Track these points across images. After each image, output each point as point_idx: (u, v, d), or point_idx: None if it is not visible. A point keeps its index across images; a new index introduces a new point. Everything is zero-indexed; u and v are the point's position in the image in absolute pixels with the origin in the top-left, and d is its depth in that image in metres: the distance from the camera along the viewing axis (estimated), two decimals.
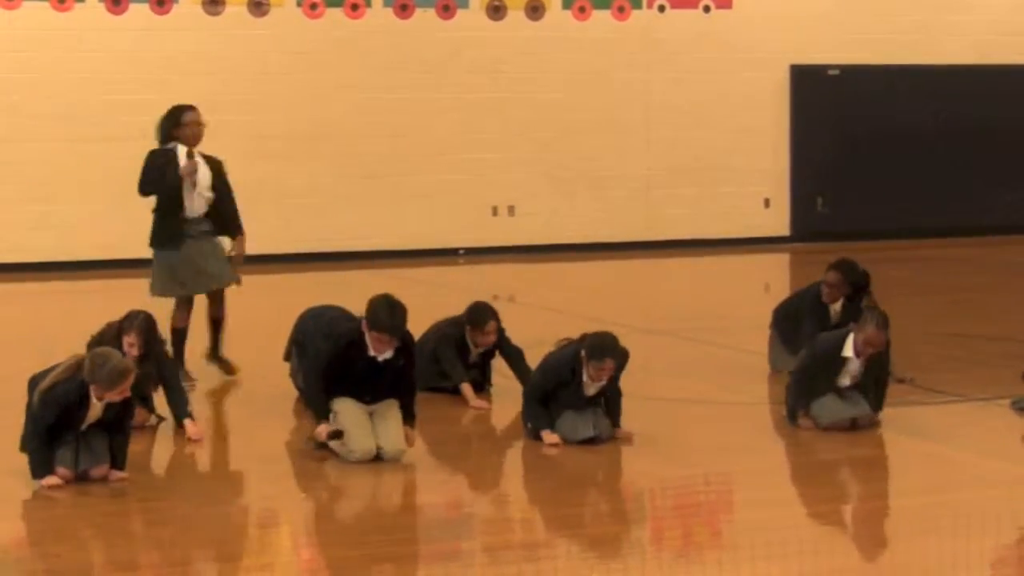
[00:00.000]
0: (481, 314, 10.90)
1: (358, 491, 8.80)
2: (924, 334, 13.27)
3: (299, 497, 8.72)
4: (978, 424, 10.27)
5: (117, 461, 8.65)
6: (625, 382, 9.71)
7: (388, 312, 8.99)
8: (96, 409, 8.53)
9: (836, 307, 11.43)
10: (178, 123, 11.44)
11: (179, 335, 11.34)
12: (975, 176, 22.03)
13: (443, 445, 9.80)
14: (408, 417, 9.23)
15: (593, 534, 7.97)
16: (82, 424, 8.53)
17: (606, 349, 9.42)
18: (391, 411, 9.21)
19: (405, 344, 9.14)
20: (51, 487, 8.40)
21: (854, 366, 9.81)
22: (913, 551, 7.68)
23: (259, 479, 8.89)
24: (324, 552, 7.76)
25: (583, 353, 9.43)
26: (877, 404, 9.91)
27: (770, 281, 19.77)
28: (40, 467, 8.48)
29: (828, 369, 9.81)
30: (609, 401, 9.62)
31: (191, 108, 11.55)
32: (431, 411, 10.65)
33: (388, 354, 9.05)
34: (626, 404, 9.71)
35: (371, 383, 9.17)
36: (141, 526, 8.10)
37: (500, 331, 10.98)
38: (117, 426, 8.65)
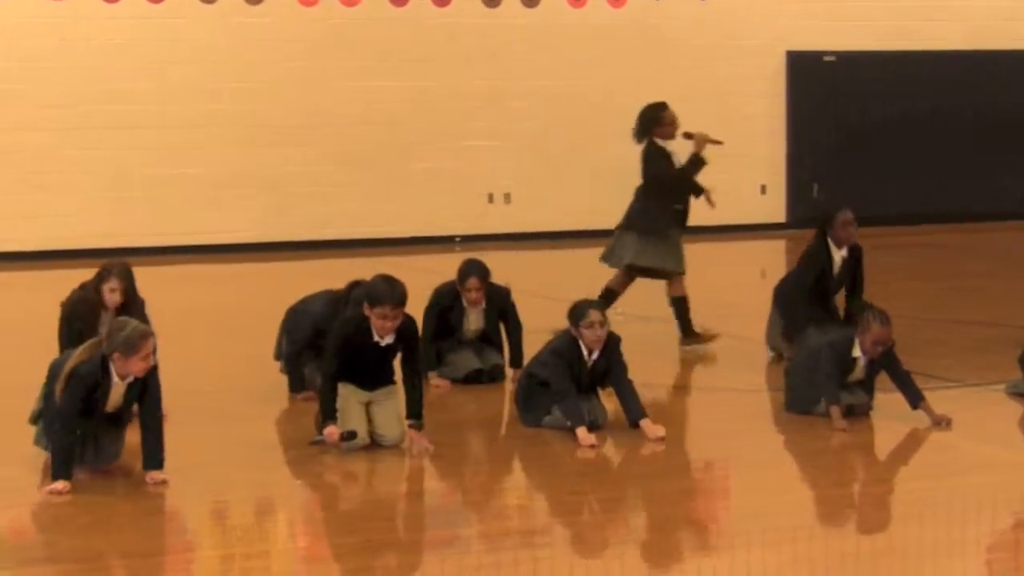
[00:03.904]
0: (463, 271, 10.99)
1: (354, 478, 8.80)
2: (921, 320, 13.27)
3: (295, 484, 8.72)
4: (975, 410, 10.28)
5: (154, 461, 8.40)
6: None
7: (387, 286, 8.97)
8: (118, 390, 8.37)
9: (842, 254, 11.41)
10: (659, 122, 12.53)
11: (686, 302, 12.51)
12: (972, 162, 22.02)
13: (440, 432, 9.79)
14: (415, 414, 9.10)
15: (591, 521, 7.98)
16: (103, 407, 8.38)
17: (584, 305, 9.51)
18: (389, 400, 9.20)
19: (407, 327, 9.12)
20: (53, 492, 8.18)
21: (860, 366, 9.82)
22: (909, 536, 7.69)
23: (255, 467, 8.89)
24: (321, 539, 7.76)
25: (571, 328, 9.47)
26: (915, 395, 9.80)
27: (766, 267, 19.75)
28: (61, 468, 8.21)
29: (843, 371, 9.81)
30: (623, 391, 9.55)
31: (667, 106, 12.63)
32: (428, 399, 10.66)
33: (390, 338, 9.03)
34: None
35: (373, 370, 9.16)
36: (139, 514, 8.09)
37: (511, 302, 11.09)
38: (147, 420, 8.42)
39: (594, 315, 9.45)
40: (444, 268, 12.07)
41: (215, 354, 12.49)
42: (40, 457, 8.64)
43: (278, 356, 10.95)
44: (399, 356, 9.16)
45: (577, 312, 9.51)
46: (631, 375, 9.56)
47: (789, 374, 10.24)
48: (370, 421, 9.13)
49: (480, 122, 20.28)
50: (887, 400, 9.97)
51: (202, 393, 10.70)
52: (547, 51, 20.49)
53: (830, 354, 9.82)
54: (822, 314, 11.50)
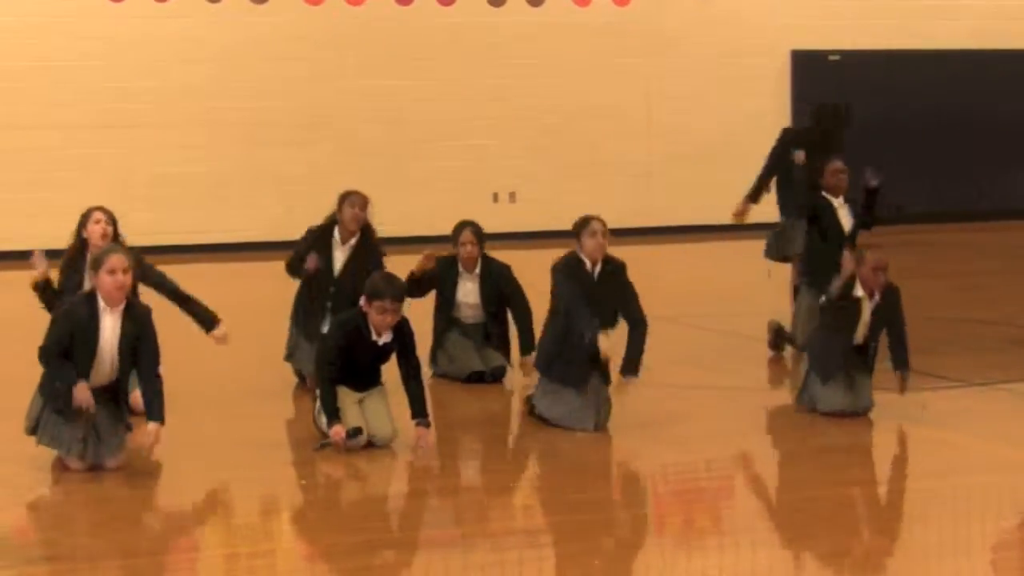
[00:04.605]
0: (457, 227, 11.37)
1: (357, 477, 8.79)
2: (925, 319, 13.24)
3: (299, 483, 8.72)
4: (979, 409, 10.28)
5: (153, 413, 8.44)
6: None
7: (385, 280, 9.06)
8: (109, 324, 8.38)
9: (840, 201, 11.52)
10: (842, 121, 12.90)
11: None
12: (978, 161, 22.01)
13: (442, 431, 9.80)
14: (420, 413, 9.12)
15: (594, 520, 7.97)
16: (96, 346, 8.35)
17: (585, 219, 9.77)
18: (380, 398, 9.19)
19: (403, 326, 9.12)
20: (80, 397, 8.26)
21: (866, 308, 9.80)
22: (914, 535, 7.68)
23: (259, 466, 8.88)
24: (324, 538, 7.76)
25: (576, 247, 9.69)
26: (902, 361, 9.86)
27: (772, 267, 19.73)
28: (67, 378, 8.30)
29: (849, 317, 9.80)
30: (634, 331, 9.69)
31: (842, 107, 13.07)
32: (431, 397, 10.66)
33: (388, 336, 9.04)
34: (628, 390, 9.70)
35: (367, 371, 9.17)
36: (141, 512, 8.10)
37: (514, 281, 11.17)
38: (143, 373, 8.49)
39: (596, 224, 9.70)
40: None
41: (220, 353, 12.43)
42: (41, 455, 8.65)
43: (288, 357, 10.95)
44: (393, 359, 9.18)
45: (579, 223, 9.77)
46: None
47: (808, 345, 10.24)
48: (366, 420, 9.11)
49: (485, 121, 20.29)
50: (889, 400, 9.97)
51: (207, 391, 10.71)
52: (552, 50, 20.49)
53: (823, 310, 9.99)
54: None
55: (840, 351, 9.78)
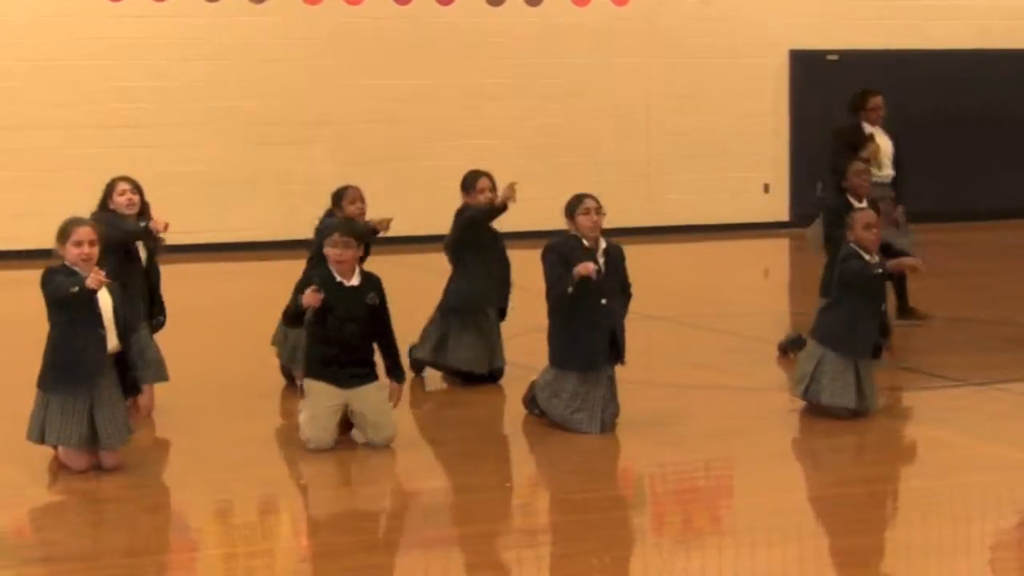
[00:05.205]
0: (469, 175, 11.47)
1: (355, 477, 8.79)
2: (925, 319, 13.25)
3: (297, 482, 8.71)
4: (978, 409, 10.27)
5: (144, 380, 8.73)
6: (625, 368, 9.69)
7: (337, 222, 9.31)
8: (105, 298, 8.38)
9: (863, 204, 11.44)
10: (864, 106, 13.15)
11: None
12: (976, 160, 22.00)
13: (441, 430, 9.80)
14: (394, 371, 9.14)
15: (593, 519, 7.97)
16: (97, 302, 8.33)
17: (578, 197, 9.56)
18: (372, 397, 9.08)
19: (376, 279, 9.14)
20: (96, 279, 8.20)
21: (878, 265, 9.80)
22: (913, 535, 7.68)
23: (257, 465, 8.89)
24: (322, 538, 7.76)
25: (568, 226, 9.49)
26: (885, 325, 9.88)
27: (770, 266, 19.78)
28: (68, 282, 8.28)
29: (868, 285, 9.73)
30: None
31: (879, 94, 13.43)
32: (430, 396, 10.67)
33: (356, 279, 9.03)
34: (628, 389, 9.69)
35: (356, 343, 9.03)
36: (139, 512, 8.09)
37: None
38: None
39: (589, 202, 9.46)
40: (448, 267, 12.09)
41: (220, 352, 12.49)
42: (41, 455, 8.66)
43: (283, 358, 10.94)
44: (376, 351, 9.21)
45: (572, 202, 9.53)
46: (634, 374, 9.57)
47: (820, 325, 10.07)
48: (358, 423, 9.09)
49: (484, 120, 20.28)
50: (891, 399, 9.97)
51: (206, 391, 10.71)
52: (551, 49, 20.49)
53: (841, 275, 9.84)
54: None
55: (852, 325, 9.71)
